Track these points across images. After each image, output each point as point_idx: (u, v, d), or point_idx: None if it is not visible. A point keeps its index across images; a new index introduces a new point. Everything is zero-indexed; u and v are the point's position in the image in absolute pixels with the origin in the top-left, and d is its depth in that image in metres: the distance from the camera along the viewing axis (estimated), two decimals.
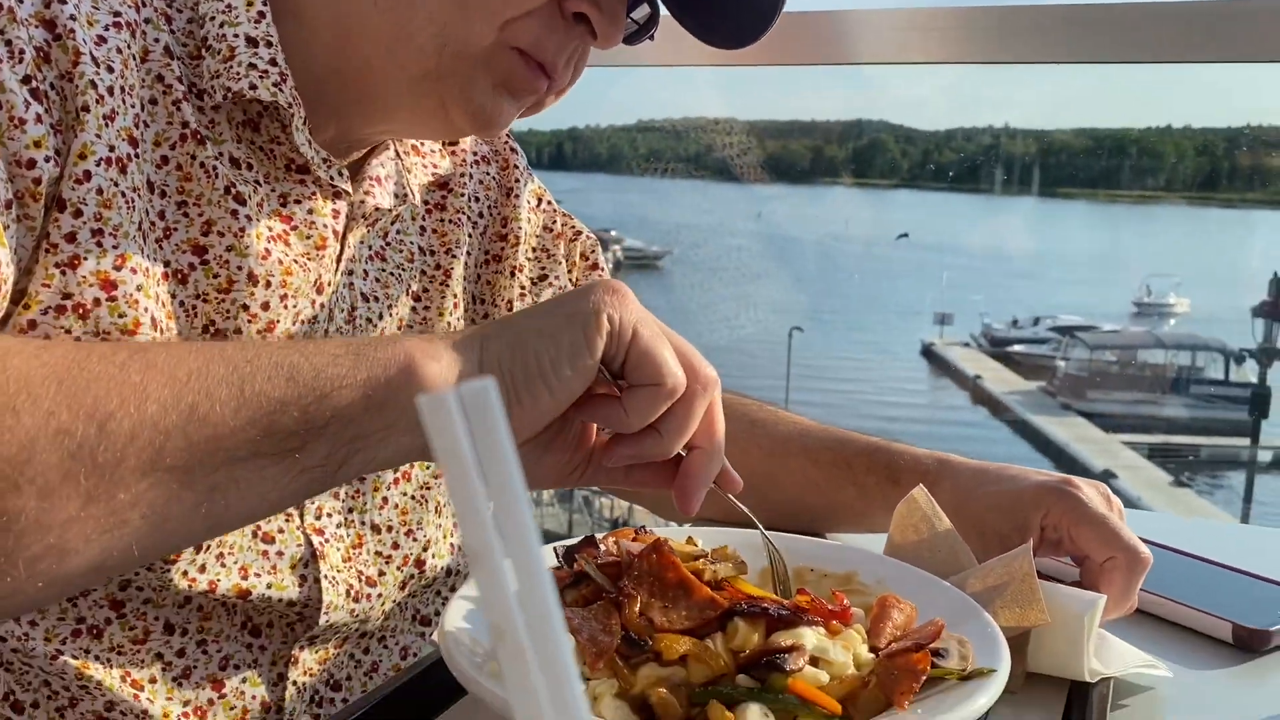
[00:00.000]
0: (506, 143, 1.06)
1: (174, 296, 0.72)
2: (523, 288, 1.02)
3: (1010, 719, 0.69)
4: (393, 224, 0.90)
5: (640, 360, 0.62)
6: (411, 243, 0.92)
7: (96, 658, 0.71)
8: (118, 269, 0.66)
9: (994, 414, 37.52)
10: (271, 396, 0.54)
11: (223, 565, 0.74)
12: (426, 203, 0.95)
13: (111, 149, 0.65)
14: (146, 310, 0.67)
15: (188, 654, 0.75)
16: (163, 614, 0.73)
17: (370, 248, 0.88)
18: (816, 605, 0.67)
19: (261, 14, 0.73)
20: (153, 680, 0.73)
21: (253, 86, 0.72)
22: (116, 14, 0.67)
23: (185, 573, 0.71)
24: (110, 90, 0.65)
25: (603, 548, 0.74)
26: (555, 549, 0.76)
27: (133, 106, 0.67)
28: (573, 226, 1.10)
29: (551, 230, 1.06)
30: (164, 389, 0.51)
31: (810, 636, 0.63)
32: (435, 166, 0.96)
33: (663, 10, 0.82)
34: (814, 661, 0.62)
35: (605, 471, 0.71)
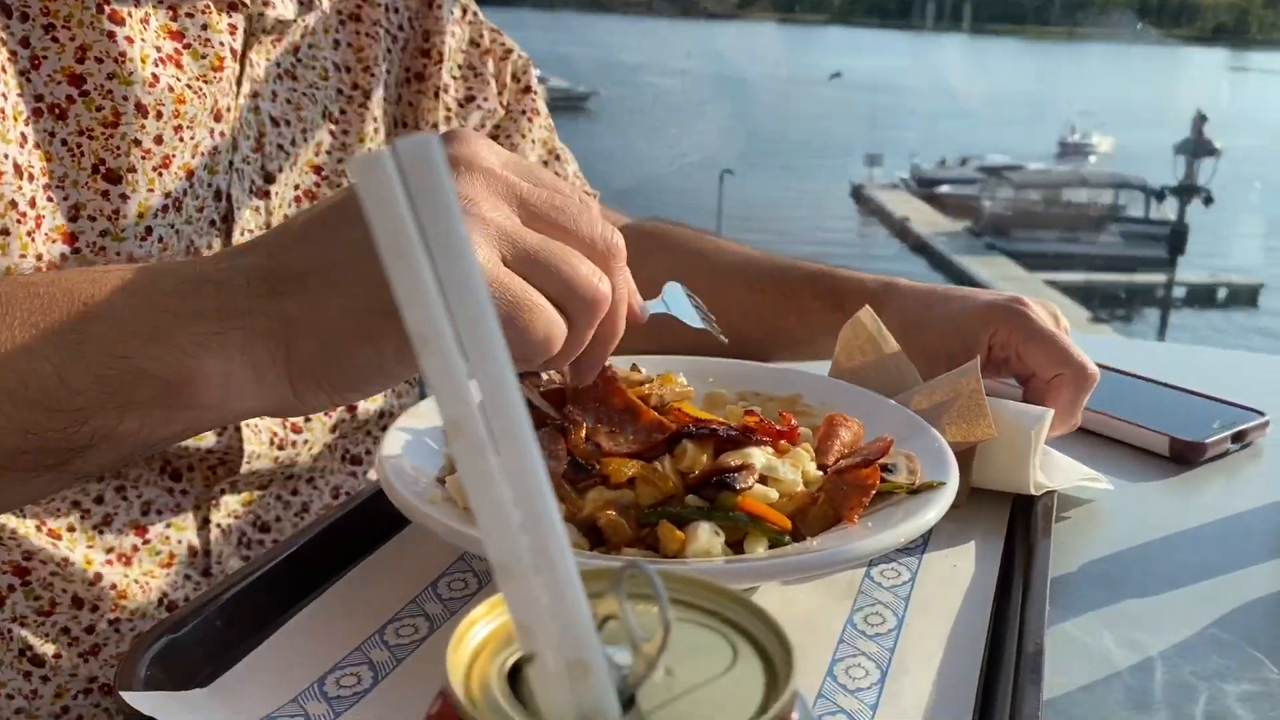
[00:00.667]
0: None
1: (52, 135, 0.67)
2: (448, 109, 0.97)
3: (955, 533, 0.70)
4: (303, 38, 0.84)
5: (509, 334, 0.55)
6: (325, 58, 0.86)
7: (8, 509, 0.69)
8: None
9: (917, 254, 38.27)
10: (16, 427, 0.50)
11: None
12: (340, 13, 0.88)
13: None
14: (6, 156, 0.63)
15: (106, 500, 0.73)
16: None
17: (279, 65, 0.82)
18: (764, 425, 0.66)
19: None
20: (70, 529, 0.72)
21: None
22: None
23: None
24: None
25: (545, 375, 0.72)
26: None
27: None
28: (503, 44, 1.04)
29: (479, 46, 1.01)
30: None
31: (759, 456, 0.63)
32: None
33: None
34: (763, 480, 0.62)
35: None
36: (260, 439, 0.78)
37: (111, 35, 0.67)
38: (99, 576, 0.72)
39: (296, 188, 0.82)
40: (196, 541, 0.78)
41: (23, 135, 0.64)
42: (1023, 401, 0.80)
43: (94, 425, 0.50)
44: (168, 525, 0.76)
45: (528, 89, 1.05)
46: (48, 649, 0.71)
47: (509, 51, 1.03)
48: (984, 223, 41.84)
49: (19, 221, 0.64)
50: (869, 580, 0.65)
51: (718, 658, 0.30)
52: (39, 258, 0.65)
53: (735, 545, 0.59)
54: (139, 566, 0.74)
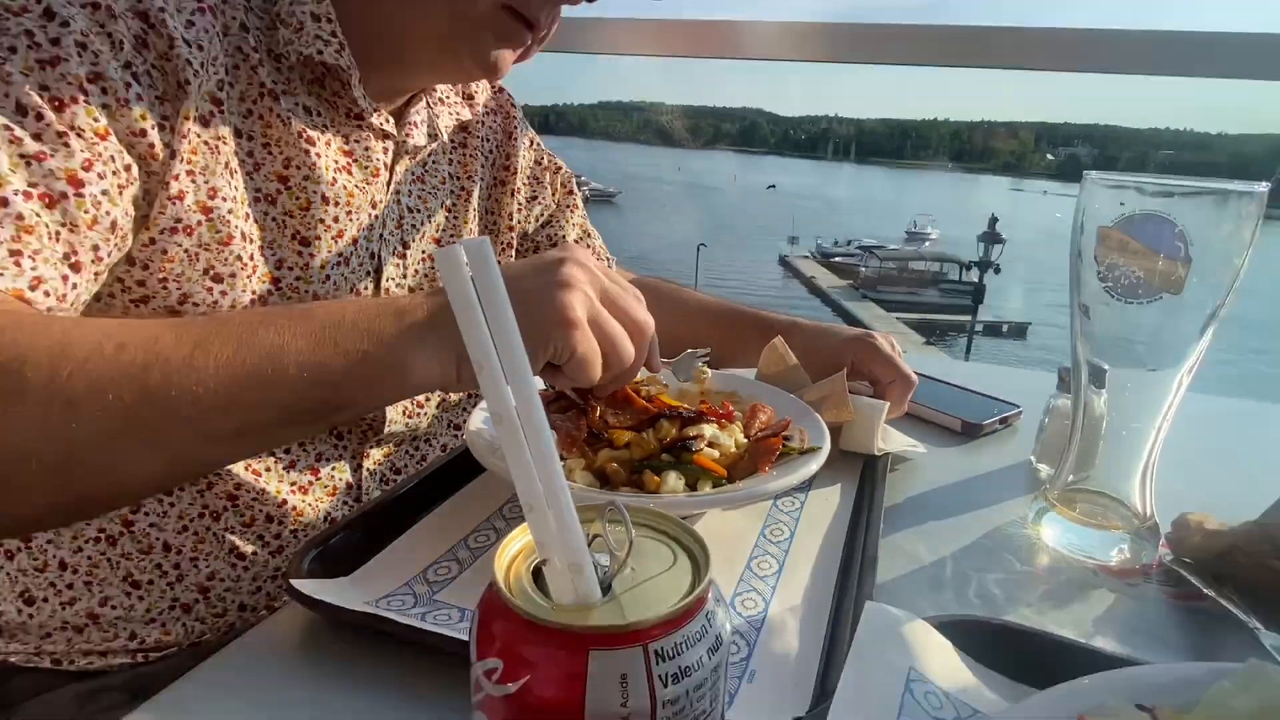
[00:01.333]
0: (508, 99, 0.98)
1: (266, 215, 0.66)
2: (519, 205, 0.95)
3: (829, 479, 0.69)
4: (429, 156, 0.83)
5: (577, 369, 0.52)
6: (442, 170, 0.85)
7: None
8: (211, 198, 0.60)
9: (820, 300, 38.37)
10: (299, 382, 0.48)
11: None
12: (452, 142, 0.87)
13: (198, 111, 0.59)
14: (237, 227, 0.62)
15: (293, 450, 0.71)
16: None
17: (413, 174, 0.80)
18: (712, 410, 0.66)
19: None
20: (267, 469, 0.70)
21: (319, 52, 0.66)
22: (199, 1, 0.60)
23: None
24: (201, 64, 0.58)
25: None
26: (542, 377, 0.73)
27: (215, 74, 0.60)
28: (555, 162, 1.02)
29: (540, 164, 0.99)
30: (213, 373, 0.46)
31: (708, 429, 0.63)
32: (459, 115, 0.89)
33: None
34: (711, 445, 0.62)
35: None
36: (396, 410, 0.77)
37: (306, 151, 0.67)
38: (285, 501, 0.70)
39: (423, 253, 0.81)
40: (351, 479, 0.76)
41: (246, 214, 0.63)
42: (872, 397, 0.80)
43: (343, 395, 0.50)
44: (333, 468, 0.74)
45: (570, 191, 1.03)
46: (248, 549, 0.69)
47: (559, 167, 1.02)
48: (860, 281, 42.28)
49: (242, 269, 0.63)
50: (774, 507, 0.65)
51: (664, 560, 0.30)
52: (254, 293, 0.65)
53: (691, 486, 0.58)
54: (312, 495, 0.72)
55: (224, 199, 0.61)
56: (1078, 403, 0.63)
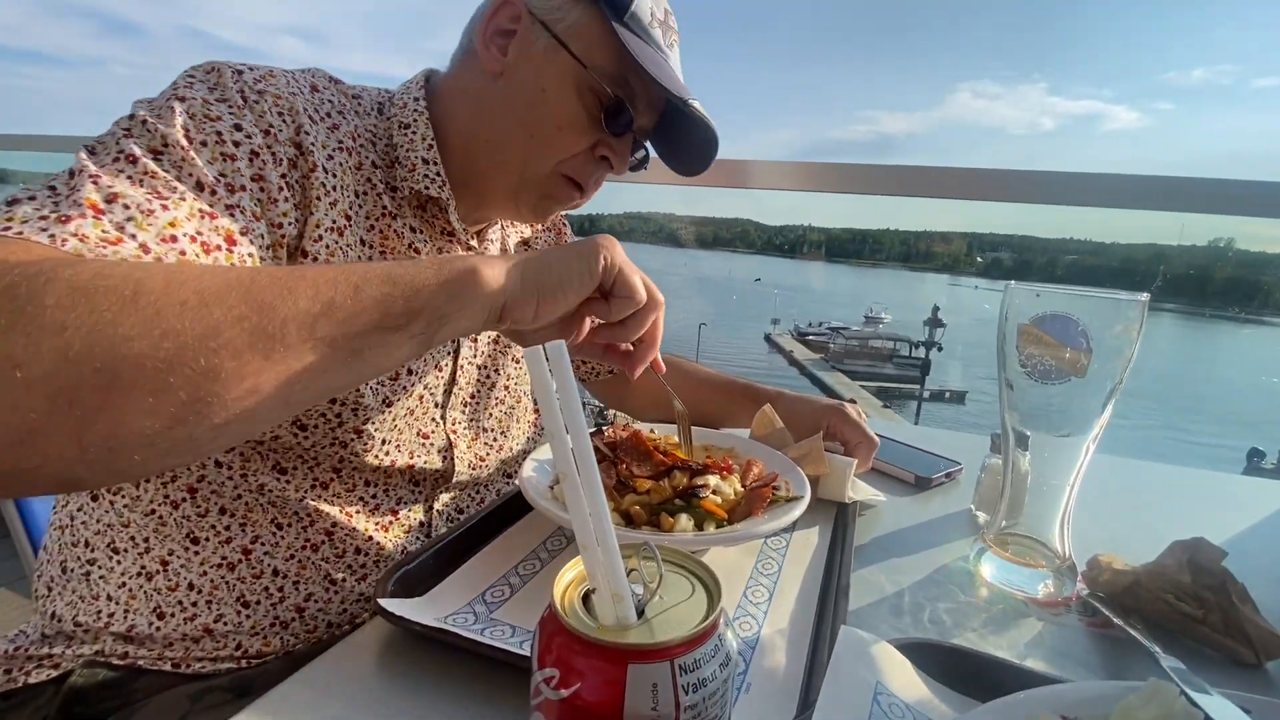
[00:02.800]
0: (561, 218, 0.99)
1: None
2: None
3: (809, 522, 0.69)
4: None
5: (623, 282, 0.54)
6: None
7: (324, 500, 0.68)
8: None
9: (798, 370, 38.25)
10: (382, 293, 0.44)
11: (398, 450, 0.70)
12: (519, 242, 0.89)
13: (334, 223, 0.61)
14: None
15: (378, 496, 0.71)
16: (363, 476, 0.70)
17: None
18: (716, 464, 0.67)
19: (431, 145, 0.69)
20: (358, 511, 0.69)
21: (426, 188, 0.68)
22: (341, 142, 0.63)
23: (375, 455, 0.68)
24: (333, 189, 0.61)
25: (607, 432, 0.72)
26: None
27: (347, 197, 0.63)
28: None
29: None
30: (309, 291, 0.42)
31: (712, 479, 0.64)
32: (523, 231, 0.90)
33: (651, 153, 0.78)
34: (714, 493, 0.62)
35: (589, 347, 0.63)
36: (464, 463, 0.76)
37: (413, 261, 0.69)
38: (370, 537, 0.69)
39: (490, 338, 0.81)
40: (424, 519, 0.75)
41: None
42: (842, 454, 0.81)
43: (422, 296, 0.45)
44: (409, 510, 0.73)
45: None
46: (339, 576, 0.68)
47: None
48: (829, 355, 42.13)
49: None
50: (765, 545, 0.65)
51: (685, 591, 0.31)
52: None
53: (699, 526, 0.58)
54: (391, 532, 0.71)
55: None
56: (1006, 462, 0.64)
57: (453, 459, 0.75)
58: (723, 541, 0.55)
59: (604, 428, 0.73)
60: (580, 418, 0.28)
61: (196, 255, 0.48)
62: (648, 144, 0.76)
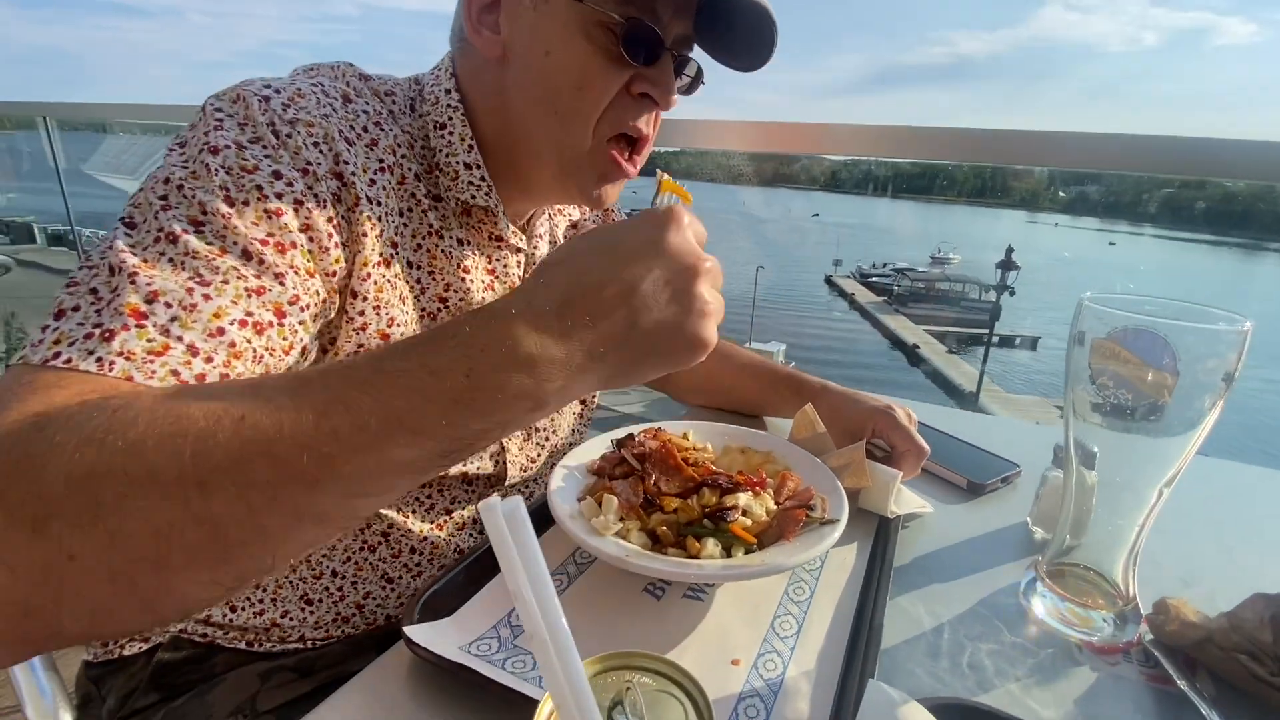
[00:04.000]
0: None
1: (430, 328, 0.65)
2: None
3: (847, 538, 0.65)
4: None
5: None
6: None
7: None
8: (389, 326, 0.59)
9: (860, 315, 37.36)
10: (441, 444, 0.37)
11: None
12: (566, 238, 0.84)
13: (381, 255, 0.58)
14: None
15: (433, 497, 0.72)
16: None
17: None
18: (748, 479, 0.63)
19: (470, 146, 0.64)
20: (414, 511, 0.70)
21: (472, 197, 0.65)
22: (381, 160, 0.59)
23: None
24: (379, 218, 0.58)
25: (638, 437, 0.70)
26: (611, 440, 0.71)
27: (392, 219, 0.60)
28: None
29: None
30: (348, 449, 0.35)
31: (743, 498, 0.61)
32: (570, 215, 0.86)
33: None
34: (744, 513, 0.60)
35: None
36: (515, 466, 0.76)
37: (462, 278, 0.66)
38: (425, 537, 0.71)
39: None
40: (476, 515, 0.75)
41: (415, 331, 0.62)
42: (889, 457, 0.77)
43: (482, 430, 0.38)
44: (463, 509, 0.74)
45: None
46: (395, 574, 0.70)
47: None
48: (893, 298, 40.96)
49: None
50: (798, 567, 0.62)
51: (677, 714, 0.29)
52: None
53: (727, 550, 0.57)
54: (445, 531, 0.72)
55: (399, 325, 0.60)
56: (1069, 481, 0.58)
57: (504, 463, 0.75)
58: (750, 575, 0.53)
59: (634, 434, 0.70)
60: (546, 579, 0.25)
61: (247, 341, 0.46)
62: (694, 52, 0.65)
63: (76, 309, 0.43)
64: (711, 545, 0.56)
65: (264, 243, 0.49)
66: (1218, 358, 0.48)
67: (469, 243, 0.68)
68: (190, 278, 0.45)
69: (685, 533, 0.58)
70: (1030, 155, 0.97)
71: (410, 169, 0.62)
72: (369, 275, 0.57)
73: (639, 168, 0.67)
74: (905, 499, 0.72)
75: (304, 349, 0.54)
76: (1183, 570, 0.66)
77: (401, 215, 0.61)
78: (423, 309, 0.64)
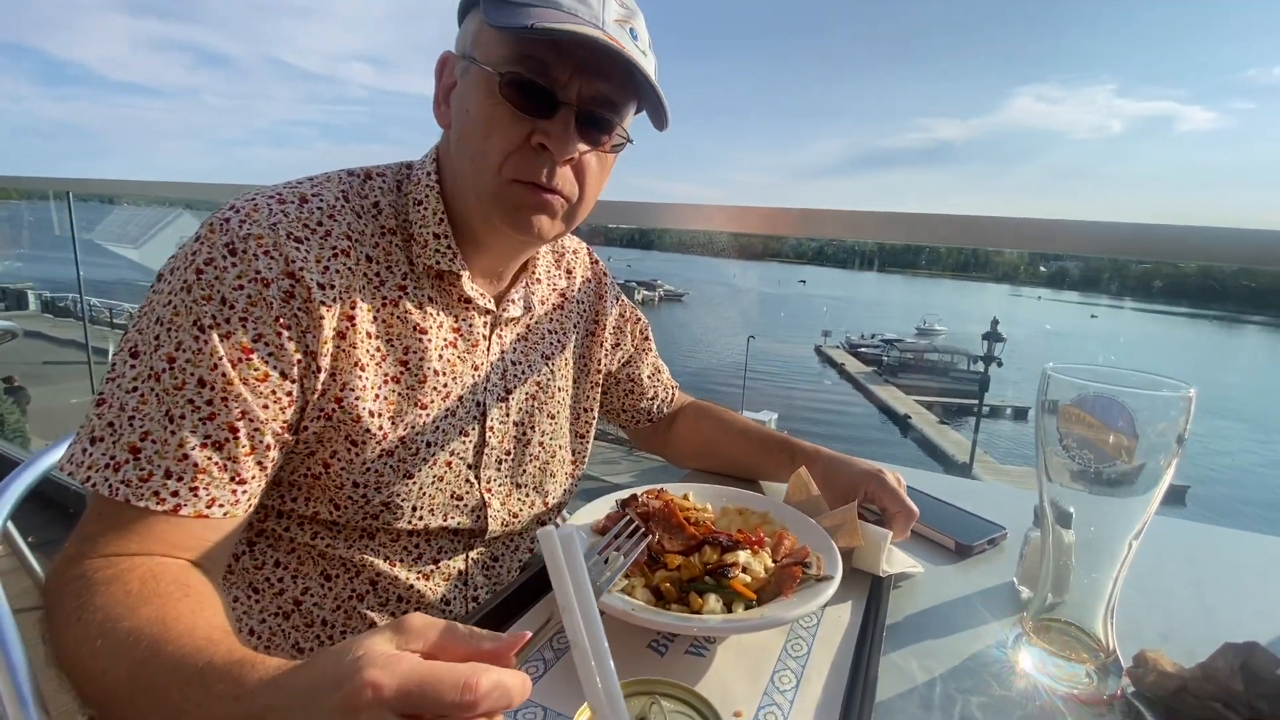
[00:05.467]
0: (603, 269, 0.98)
1: (394, 392, 0.68)
2: (606, 352, 0.95)
3: (841, 596, 0.68)
4: (533, 321, 0.84)
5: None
6: (543, 328, 0.85)
7: (369, 552, 0.71)
8: (342, 391, 0.65)
9: (850, 384, 37.58)
10: None
11: (431, 513, 0.73)
12: (554, 306, 0.88)
13: (334, 329, 0.64)
14: (365, 407, 0.66)
15: (420, 547, 0.74)
16: (403, 534, 0.73)
17: (518, 335, 0.81)
18: (747, 538, 0.67)
19: (441, 218, 0.70)
20: (401, 560, 0.73)
21: (438, 262, 0.70)
22: (335, 247, 0.65)
23: (408, 520, 0.71)
24: (334, 300, 0.63)
25: (642, 497, 0.73)
26: (616, 500, 0.75)
27: (349, 297, 0.65)
28: (635, 314, 1.01)
29: (624, 316, 0.98)
30: None
31: (743, 555, 0.64)
32: (556, 285, 0.89)
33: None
34: (744, 570, 0.62)
35: None
36: (497, 522, 0.78)
37: (419, 341, 0.70)
38: (412, 585, 0.72)
39: (526, 395, 0.81)
40: (462, 567, 0.77)
41: (375, 395, 0.67)
42: (880, 520, 0.80)
43: None
44: (450, 559, 0.76)
45: (646, 339, 1.02)
46: (382, 621, 0.70)
47: (639, 319, 1.01)
48: (883, 368, 41.37)
49: (371, 436, 0.66)
50: (796, 624, 0.64)
51: None
52: (382, 449, 0.67)
53: (728, 605, 0.59)
54: (432, 580, 0.74)
55: (353, 389, 0.65)
56: (1046, 542, 0.62)
57: (485, 518, 0.77)
58: (750, 628, 0.56)
59: (637, 494, 0.74)
60: (591, 599, 0.29)
61: (209, 460, 0.57)
62: (619, 114, 0.68)
63: (100, 440, 0.57)
64: (713, 601, 0.59)
65: (216, 367, 0.57)
66: (1167, 421, 0.53)
67: (436, 301, 0.72)
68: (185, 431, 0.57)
69: (688, 589, 0.61)
70: (1000, 239, 1.05)
71: (368, 253, 0.68)
72: (325, 352, 0.63)
73: (561, 208, 0.69)
74: (896, 559, 0.75)
75: (268, 446, 0.61)
76: (1162, 626, 0.69)
77: (360, 292, 0.66)
78: (385, 374, 0.68)
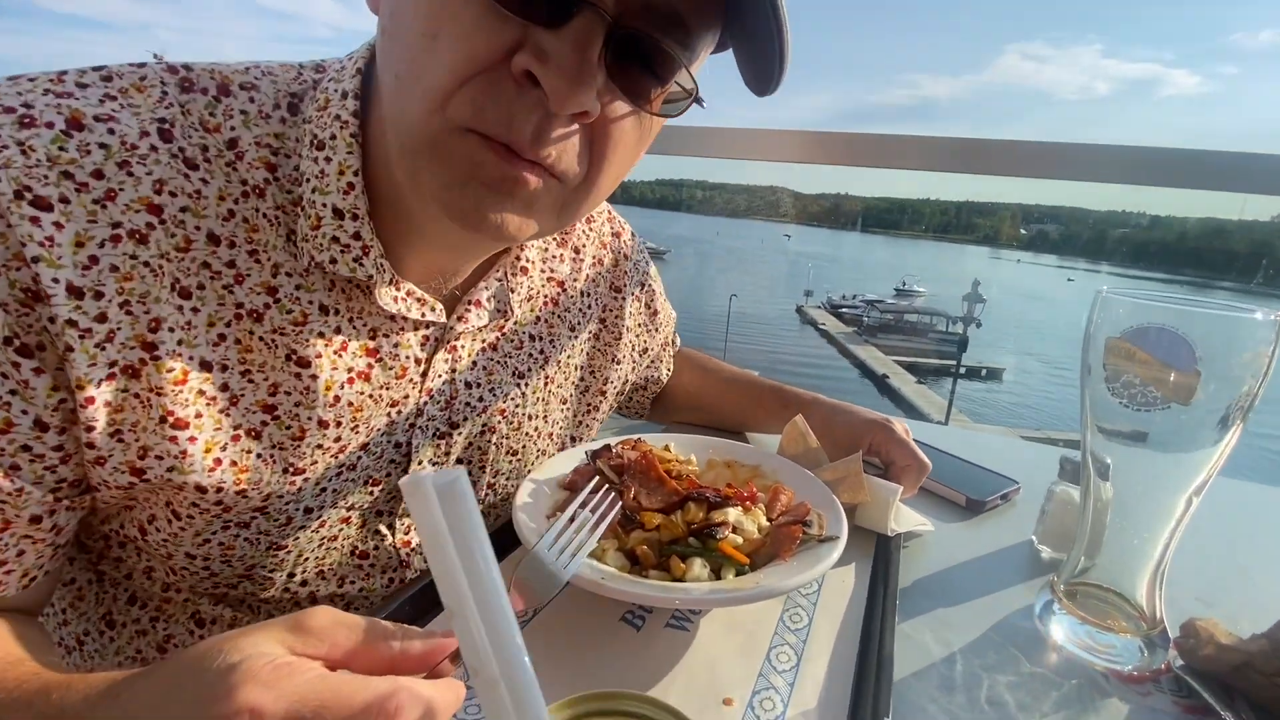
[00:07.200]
0: (626, 243, 0.77)
1: (249, 452, 0.46)
2: (621, 374, 0.79)
3: (844, 558, 0.59)
4: (509, 321, 0.62)
5: None
6: (525, 332, 0.64)
7: (250, 609, 0.56)
8: (141, 458, 0.43)
9: (830, 344, 37.98)
10: None
11: (322, 578, 0.56)
12: (546, 297, 0.66)
13: (113, 364, 0.41)
14: (193, 478, 0.44)
15: (355, 537, 0.57)
16: (286, 602, 0.56)
17: (484, 341, 0.60)
18: (737, 493, 0.58)
19: (351, 185, 0.45)
20: (338, 550, 0.57)
21: (333, 261, 0.46)
22: (117, 224, 0.40)
23: (286, 587, 0.55)
24: (100, 315, 0.40)
25: (615, 448, 0.64)
26: (586, 451, 0.65)
27: (148, 312, 0.41)
28: (668, 312, 0.86)
29: (650, 307, 0.82)
30: None
31: (733, 513, 0.55)
32: (554, 275, 0.67)
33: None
34: (735, 529, 0.54)
35: None
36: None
37: (298, 375, 0.47)
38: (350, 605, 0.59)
39: (482, 427, 0.61)
40: (399, 556, 0.60)
41: (217, 459, 0.45)
42: (885, 473, 0.72)
43: None
44: (378, 549, 0.59)
45: (667, 342, 0.89)
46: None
47: (665, 314, 0.86)
48: (863, 329, 41.89)
49: (199, 509, 0.47)
50: (794, 592, 0.55)
51: None
52: (231, 525, 0.49)
53: (716, 571, 0.51)
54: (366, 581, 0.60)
55: (165, 452, 0.43)
56: (1086, 495, 0.54)
57: (404, 582, 0.61)
58: (744, 599, 0.47)
59: (610, 445, 0.64)
60: (498, 584, 0.19)
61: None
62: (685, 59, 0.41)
63: None
64: (698, 566, 0.50)
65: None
66: (1250, 350, 0.44)
67: (340, 312, 0.48)
68: None
69: (668, 552, 0.52)
70: (981, 162, 0.96)
71: (202, 226, 0.43)
72: (95, 396, 0.41)
73: (547, 194, 0.42)
74: (905, 516, 0.67)
75: (33, 518, 0.42)
76: (1199, 590, 0.62)
77: (184, 297, 0.43)
78: (235, 425, 0.46)
